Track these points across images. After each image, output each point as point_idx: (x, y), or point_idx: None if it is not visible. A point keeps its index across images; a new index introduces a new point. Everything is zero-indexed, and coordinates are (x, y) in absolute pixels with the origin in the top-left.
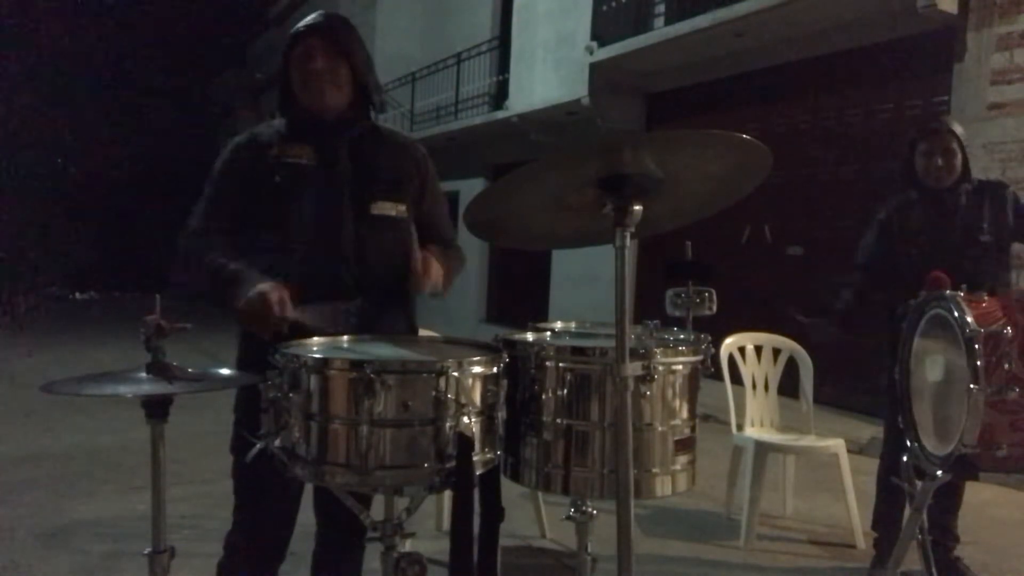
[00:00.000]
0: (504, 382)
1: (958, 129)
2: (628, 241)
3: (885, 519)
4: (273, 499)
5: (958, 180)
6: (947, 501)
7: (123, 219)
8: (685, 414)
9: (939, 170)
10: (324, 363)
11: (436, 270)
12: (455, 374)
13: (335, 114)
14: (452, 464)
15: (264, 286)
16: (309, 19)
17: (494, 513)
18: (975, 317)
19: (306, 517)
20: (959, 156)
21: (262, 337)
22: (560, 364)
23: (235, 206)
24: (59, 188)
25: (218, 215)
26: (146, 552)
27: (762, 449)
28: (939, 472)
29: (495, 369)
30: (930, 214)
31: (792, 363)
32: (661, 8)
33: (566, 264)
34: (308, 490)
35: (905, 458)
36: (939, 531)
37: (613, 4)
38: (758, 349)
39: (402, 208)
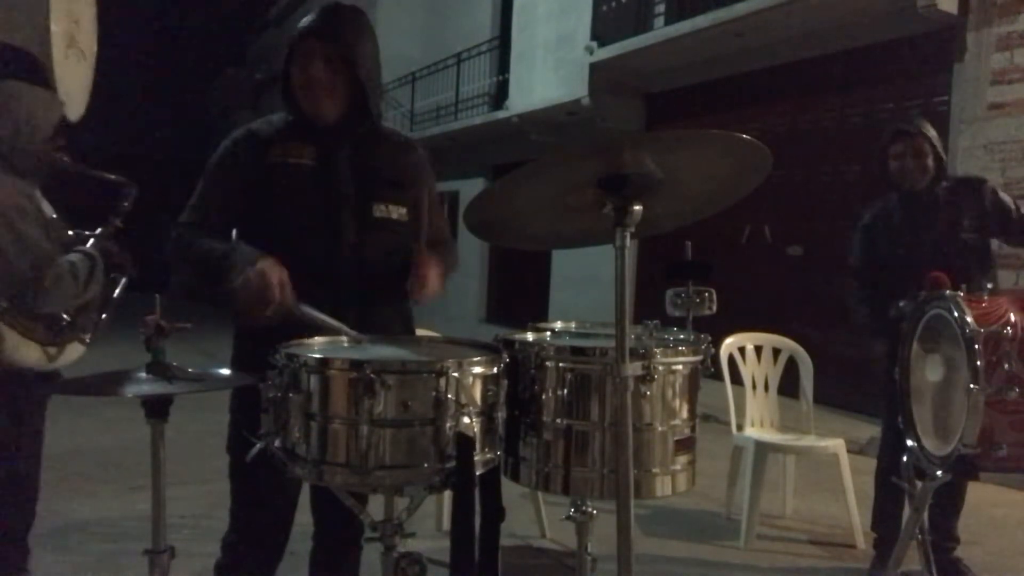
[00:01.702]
0: (504, 382)
1: (929, 131)
2: (628, 241)
3: (884, 519)
4: (270, 499)
5: (933, 179)
6: (949, 502)
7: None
8: (685, 414)
9: (912, 172)
10: (324, 363)
11: (435, 281)
12: (455, 374)
13: (334, 118)
14: (452, 464)
15: (264, 264)
16: (315, 17)
17: (494, 513)
18: (975, 317)
19: (307, 517)
20: (931, 157)
21: (257, 322)
22: (560, 364)
23: (229, 202)
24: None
25: (211, 210)
26: (146, 552)
27: (762, 449)
28: (939, 472)
29: (495, 369)
30: (911, 215)
31: (792, 363)
32: (661, 8)
33: (566, 264)
34: (305, 491)
35: (905, 458)
36: (940, 532)
37: (613, 4)
38: (758, 349)
39: (403, 211)
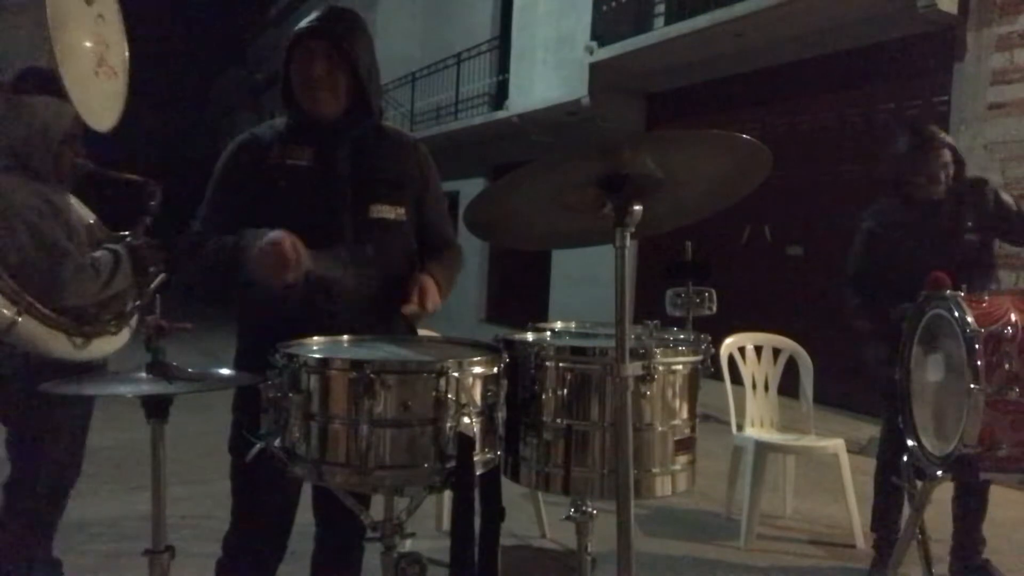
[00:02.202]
0: (504, 382)
1: (949, 139)
2: (628, 241)
3: (884, 520)
4: (271, 499)
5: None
6: (974, 505)
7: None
8: (685, 414)
9: (939, 186)
10: (324, 363)
11: (434, 299)
12: (455, 374)
13: (334, 117)
14: (452, 464)
15: (273, 234)
16: (312, 18)
17: (494, 513)
18: (975, 317)
19: (308, 517)
20: (953, 168)
21: (282, 286)
22: (560, 364)
23: (235, 208)
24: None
25: (219, 217)
26: (146, 552)
27: (762, 449)
28: (939, 472)
29: (495, 369)
30: (915, 217)
31: (792, 363)
32: (661, 8)
33: (566, 264)
34: (306, 491)
35: (905, 458)
36: (966, 535)
37: (613, 4)
38: (758, 349)
39: (401, 211)
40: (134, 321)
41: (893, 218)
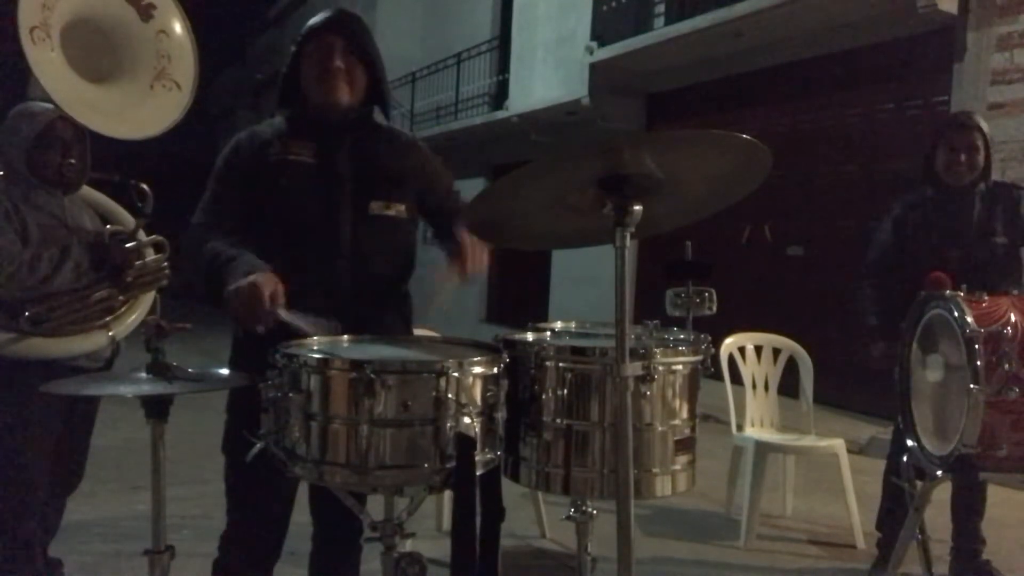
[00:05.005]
0: (504, 382)
1: (984, 126)
2: (628, 241)
3: (890, 519)
4: (267, 500)
5: (975, 179)
6: (972, 505)
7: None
8: (685, 414)
9: (960, 166)
10: (324, 363)
11: (482, 255)
12: (455, 374)
13: (340, 112)
14: (452, 464)
15: (258, 276)
16: (327, 15)
17: (494, 513)
18: (975, 317)
19: (307, 517)
20: (981, 153)
21: (247, 330)
22: (560, 364)
23: (236, 204)
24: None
25: (219, 213)
26: (146, 552)
27: (762, 449)
28: (939, 472)
29: (495, 369)
30: (944, 212)
31: (792, 363)
32: (661, 8)
33: (566, 264)
34: (303, 491)
35: (905, 458)
36: (966, 536)
37: (613, 4)
38: (758, 349)
39: (401, 208)
40: (125, 324)
41: (924, 209)
